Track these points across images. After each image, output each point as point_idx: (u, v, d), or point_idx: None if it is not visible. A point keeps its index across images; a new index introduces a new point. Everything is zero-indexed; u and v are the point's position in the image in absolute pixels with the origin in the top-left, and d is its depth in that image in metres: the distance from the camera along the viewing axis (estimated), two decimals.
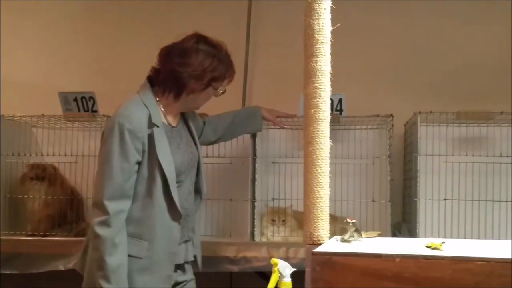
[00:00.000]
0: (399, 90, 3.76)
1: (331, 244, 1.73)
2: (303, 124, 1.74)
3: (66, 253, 3.16)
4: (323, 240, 1.72)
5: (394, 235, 3.25)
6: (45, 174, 3.42)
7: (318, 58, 1.68)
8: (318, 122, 1.69)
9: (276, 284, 1.89)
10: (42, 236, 3.36)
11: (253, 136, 3.34)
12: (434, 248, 1.61)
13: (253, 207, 3.30)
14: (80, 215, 3.53)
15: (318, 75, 1.69)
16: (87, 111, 3.46)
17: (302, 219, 3.27)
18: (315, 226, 1.72)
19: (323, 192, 1.72)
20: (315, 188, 1.71)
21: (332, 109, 3.30)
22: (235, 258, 3.09)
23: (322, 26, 1.71)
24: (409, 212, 3.40)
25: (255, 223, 3.30)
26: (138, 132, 2.37)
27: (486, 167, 3.20)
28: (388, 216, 3.21)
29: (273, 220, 3.30)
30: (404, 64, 3.81)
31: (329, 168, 1.77)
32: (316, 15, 1.72)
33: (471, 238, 3.06)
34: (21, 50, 4.22)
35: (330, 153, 3.27)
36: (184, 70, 2.47)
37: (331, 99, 3.28)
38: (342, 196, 3.31)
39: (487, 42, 3.74)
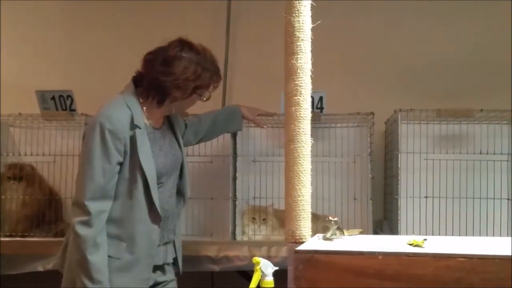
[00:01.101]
0: (379, 88, 3.78)
1: (313, 242, 1.74)
2: (284, 122, 1.74)
3: (45, 253, 3.14)
4: (305, 239, 1.72)
5: (375, 233, 3.27)
6: (23, 174, 3.40)
7: (298, 56, 1.68)
8: (299, 120, 1.69)
9: (258, 283, 1.88)
10: (20, 236, 3.33)
11: (234, 135, 3.34)
12: (416, 246, 1.62)
13: (234, 206, 3.30)
14: (59, 215, 3.51)
15: (299, 73, 1.69)
16: (65, 110, 3.44)
17: (283, 217, 3.31)
18: (297, 224, 1.72)
19: (305, 190, 1.72)
20: (297, 186, 1.71)
21: (312, 107, 3.29)
22: (216, 258, 3.09)
23: (303, 23, 1.71)
24: (390, 210, 3.42)
25: (236, 222, 3.30)
26: (120, 133, 2.36)
27: (467, 165, 3.22)
28: (370, 214, 3.23)
29: (253, 219, 3.30)
30: (384, 62, 3.83)
31: (311, 166, 1.77)
32: (296, 12, 1.72)
33: (452, 235, 3.08)
34: None
35: (311, 151, 3.33)
36: (166, 79, 2.45)
37: (312, 97, 3.29)
38: (323, 194, 3.31)
39: (467, 39, 3.78)
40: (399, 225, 3.14)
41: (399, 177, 3.19)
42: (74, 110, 3.44)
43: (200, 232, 3.38)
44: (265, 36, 3.93)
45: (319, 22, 1.77)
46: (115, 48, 4.06)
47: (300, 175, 1.70)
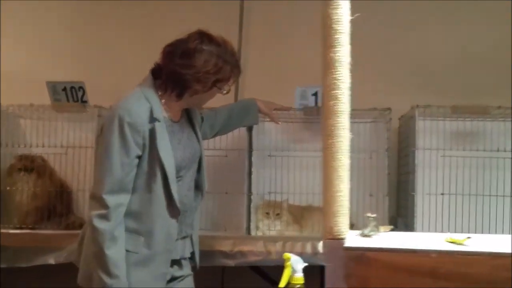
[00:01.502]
0: (394, 83, 3.75)
1: (353, 239, 1.71)
2: (322, 116, 1.71)
3: (56, 246, 3.11)
4: (343, 235, 1.69)
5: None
6: (33, 166, 3.36)
7: (337, 49, 1.65)
8: (338, 114, 1.66)
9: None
10: (30, 229, 3.29)
11: (249, 129, 3.32)
12: (458, 244, 1.59)
13: (249, 201, 3.28)
14: (69, 208, 3.47)
15: (337, 67, 1.66)
16: (77, 101, 3.41)
17: (297, 213, 3.33)
18: (335, 221, 1.69)
19: (343, 185, 1.69)
20: (335, 182, 1.67)
21: None
22: (230, 253, 3.07)
23: (341, 16, 1.67)
24: (405, 207, 3.40)
25: (251, 217, 3.28)
26: (139, 126, 2.32)
27: (484, 162, 3.20)
28: (386, 210, 3.22)
29: (267, 214, 3.28)
30: (399, 58, 3.80)
31: (346, 161, 1.74)
32: (335, 4, 1.69)
33: (468, 232, 3.06)
34: (7, 39, 4.11)
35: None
36: (186, 72, 2.41)
37: None
38: None
39: (485, 36, 3.76)
40: (415, 222, 3.12)
41: (416, 174, 3.17)
42: (85, 101, 3.41)
43: (214, 226, 3.35)
44: (278, 32, 3.93)
45: (358, 14, 1.73)
46: (128, 40, 4.03)
47: (339, 170, 1.67)
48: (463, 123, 3.26)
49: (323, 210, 1.75)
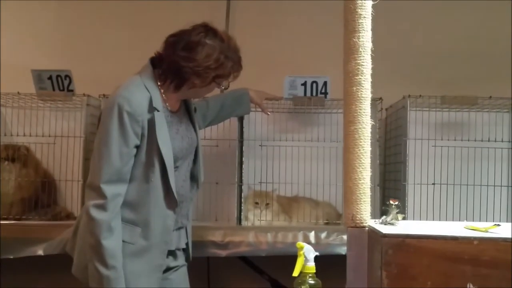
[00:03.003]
0: (383, 73, 3.69)
1: (377, 227, 1.67)
2: (344, 102, 1.67)
3: (44, 237, 3.02)
4: (366, 223, 1.66)
5: None
6: (17, 155, 3.26)
7: (360, 34, 1.62)
8: (361, 101, 1.64)
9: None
10: (16, 220, 3.20)
11: (240, 119, 3.29)
12: (481, 231, 1.58)
13: (240, 191, 3.25)
14: (54, 198, 3.39)
15: (361, 51, 1.63)
16: (63, 90, 3.33)
17: (286, 203, 3.30)
18: (357, 208, 1.68)
19: (366, 173, 1.68)
20: (358, 169, 1.66)
21: (316, 92, 3.26)
22: (222, 243, 3.03)
23: (365, 0, 1.63)
24: (392, 197, 3.36)
25: (242, 207, 3.25)
26: (138, 115, 2.27)
27: (475, 152, 3.22)
28: (378, 200, 3.21)
29: (256, 203, 3.25)
30: (389, 47, 3.75)
31: (368, 148, 1.69)
32: None
33: (459, 221, 3.07)
34: None
35: (313, 137, 3.30)
36: (187, 65, 2.36)
37: (316, 82, 3.28)
38: (326, 180, 3.28)
39: (477, 26, 3.77)
40: (406, 212, 3.12)
41: (407, 164, 3.17)
42: (72, 90, 3.33)
43: (204, 217, 3.31)
44: (265, 19, 3.88)
45: None
46: (116, 28, 3.94)
47: (361, 157, 1.66)
48: (454, 114, 3.27)
49: (344, 197, 1.73)
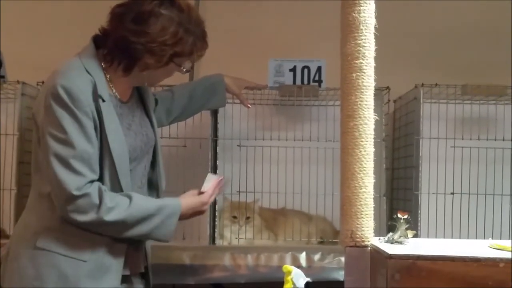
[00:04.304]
0: (390, 57, 3.68)
1: (384, 246, 1.65)
2: (341, 92, 1.64)
3: None
4: (368, 241, 1.65)
5: None
6: None
7: (361, 8, 1.60)
8: (362, 90, 1.62)
9: None
10: None
11: (214, 113, 3.27)
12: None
13: (214, 203, 3.18)
14: None
15: (362, 29, 1.60)
16: None
17: (270, 218, 3.27)
18: (357, 223, 1.68)
19: (368, 179, 1.68)
20: (358, 175, 1.66)
21: (308, 80, 3.24)
22: (191, 267, 3.02)
23: None
24: (401, 208, 3.36)
25: (216, 223, 3.23)
26: (85, 106, 2.22)
27: (503, 154, 3.22)
28: (384, 213, 3.20)
29: (234, 218, 3.24)
30: (397, 25, 3.75)
31: (371, 148, 1.66)
32: None
33: (484, 238, 3.05)
34: None
35: (305, 136, 3.28)
36: (138, 40, 2.32)
37: (307, 67, 3.26)
38: (321, 189, 3.26)
39: (501, 4, 3.74)
40: (419, 227, 3.11)
41: (420, 168, 3.15)
42: (3, 76, 3.31)
43: None
44: None
45: None
46: (60, 6, 3.90)
47: (363, 161, 1.65)
48: (477, 106, 3.26)
49: (341, 210, 1.73)
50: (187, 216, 2.47)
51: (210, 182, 2.52)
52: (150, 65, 2.38)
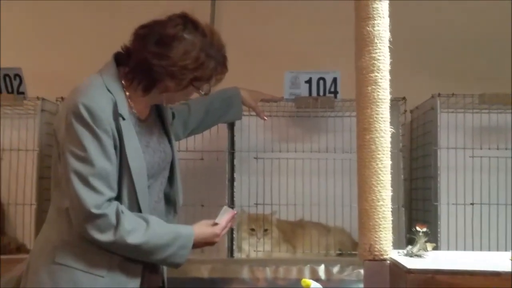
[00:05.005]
0: (406, 68, 3.69)
1: (401, 259, 1.64)
2: (357, 105, 1.64)
3: None
4: (386, 254, 1.64)
5: None
6: None
7: (375, 21, 1.59)
8: (378, 103, 1.62)
9: None
10: None
11: (231, 125, 3.28)
12: None
13: None
14: (1, 227, 3.39)
15: (376, 43, 1.60)
16: (12, 92, 3.33)
17: (288, 230, 3.26)
18: (376, 237, 1.67)
19: (385, 192, 1.67)
20: (375, 188, 1.65)
21: (324, 91, 3.24)
22: (209, 280, 3.02)
23: None
24: (420, 220, 3.37)
25: (234, 236, 3.23)
26: (106, 125, 2.23)
27: None
28: (403, 224, 3.19)
29: (251, 230, 3.24)
30: (411, 35, 3.75)
31: (388, 161, 1.66)
32: None
33: (505, 250, 3.03)
34: None
35: (321, 147, 3.27)
36: (159, 63, 2.31)
37: (323, 78, 3.25)
38: (338, 200, 3.27)
39: None
40: (438, 239, 3.09)
41: (439, 179, 3.14)
42: (23, 93, 3.33)
43: None
44: (259, 3, 3.84)
45: None
46: (76, 18, 3.94)
47: (380, 174, 1.64)
48: (495, 115, 3.24)
49: (359, 223, 1.72)
50: (198, 246, 2.46)
51: (225, 215, 2.52)
52: (170, 87, 2.38)
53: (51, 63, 3.79)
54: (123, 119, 2.28)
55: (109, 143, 2.23)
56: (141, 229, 2.25)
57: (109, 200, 2.22)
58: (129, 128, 2.31)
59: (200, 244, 2.46)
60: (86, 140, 2.19)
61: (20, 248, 3.28)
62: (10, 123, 3.41)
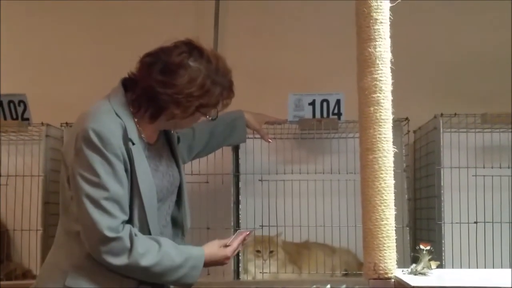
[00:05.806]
0: (408, 88, 3.72)
1: (405, 278, 1.66)
2: (360, 126, 1.67)
3: None
4: (391, 273, 1.66)
5: None
6: None
7: (377, 43, 1.62)
8: (380, 124, 1.64)
9: None
10: None
11: (235, 148, 3.29)
12: None
13: None
14: (7, 253, 3.39)
15: (378, 64, 1.63)
16: (16, 118, 3.34)
17: (293, 251, 3.28)
18: (380, 256, 1.68)
19: (389, 212, 1.69)
20: (379, 207, 1.67)
21: (328, 113, 3.26)
22: None
23: (381, 2, 1.63)
24: (424, 239, 3.37)
25: (240, 258, 3.24)
26: (117, 149, 2.25)
27: None
28: (407, 244, 3.20)
29: (257, 252, 3.25)
30: (414, 57, 3.77)
31: (391, 181, 1.69)
32: None
33: (509, 267, 3.04)
34: None
35: (326, 168, 3.30)
36: (164, 92, 2.32)
37: (327, 100, 3.28)
38: (344, 221, 3.28)
39: None
40: (442, 257, 3.10)
41: (443, 198, 3.16)
42: (27, 119, 3.34)
43: None
44: (263, 26, 3.88)
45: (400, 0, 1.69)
46: (80, 41, 3.96)
47: (383, 193, 1.66)
48: (497, 135, 3.27)
49: (364, 242, 1.74)
50: (208, 265, 2.49)
51: (238, 237, 2.54)
52: (176, 115, 2.38)
53: (55, 89, 3.81)
54: (133, 144, 2.30)
55: (120, 167, 2.24)
56: (153, 251, 2.27)
57: (122, 223, 2.24)
58: (139, 153, 2.33)
59: (209, 264, 2.48)
60: (97, 165, 2.21)
61: (26, 274, 3.29)
62: (15, 149, 3.41)
